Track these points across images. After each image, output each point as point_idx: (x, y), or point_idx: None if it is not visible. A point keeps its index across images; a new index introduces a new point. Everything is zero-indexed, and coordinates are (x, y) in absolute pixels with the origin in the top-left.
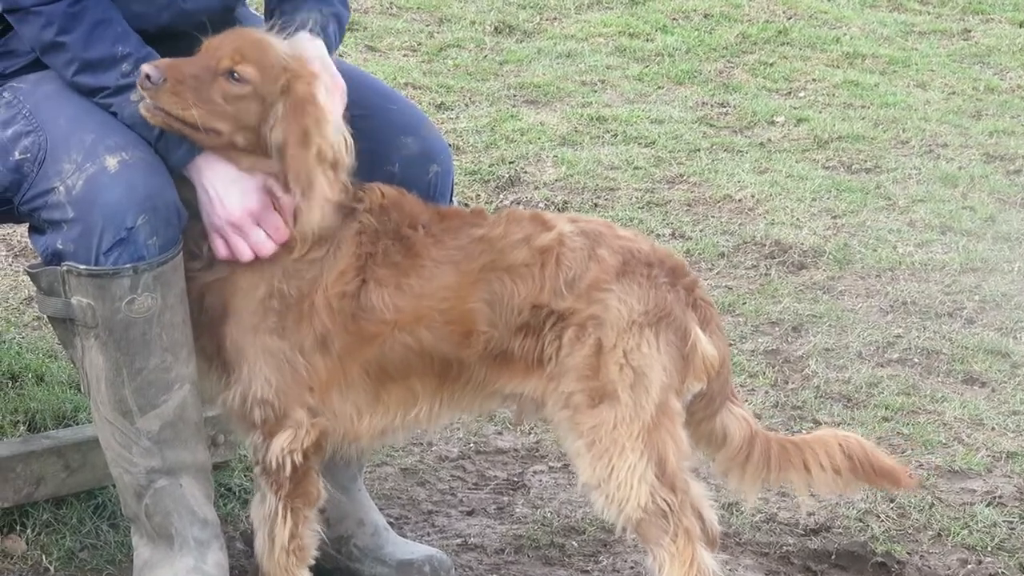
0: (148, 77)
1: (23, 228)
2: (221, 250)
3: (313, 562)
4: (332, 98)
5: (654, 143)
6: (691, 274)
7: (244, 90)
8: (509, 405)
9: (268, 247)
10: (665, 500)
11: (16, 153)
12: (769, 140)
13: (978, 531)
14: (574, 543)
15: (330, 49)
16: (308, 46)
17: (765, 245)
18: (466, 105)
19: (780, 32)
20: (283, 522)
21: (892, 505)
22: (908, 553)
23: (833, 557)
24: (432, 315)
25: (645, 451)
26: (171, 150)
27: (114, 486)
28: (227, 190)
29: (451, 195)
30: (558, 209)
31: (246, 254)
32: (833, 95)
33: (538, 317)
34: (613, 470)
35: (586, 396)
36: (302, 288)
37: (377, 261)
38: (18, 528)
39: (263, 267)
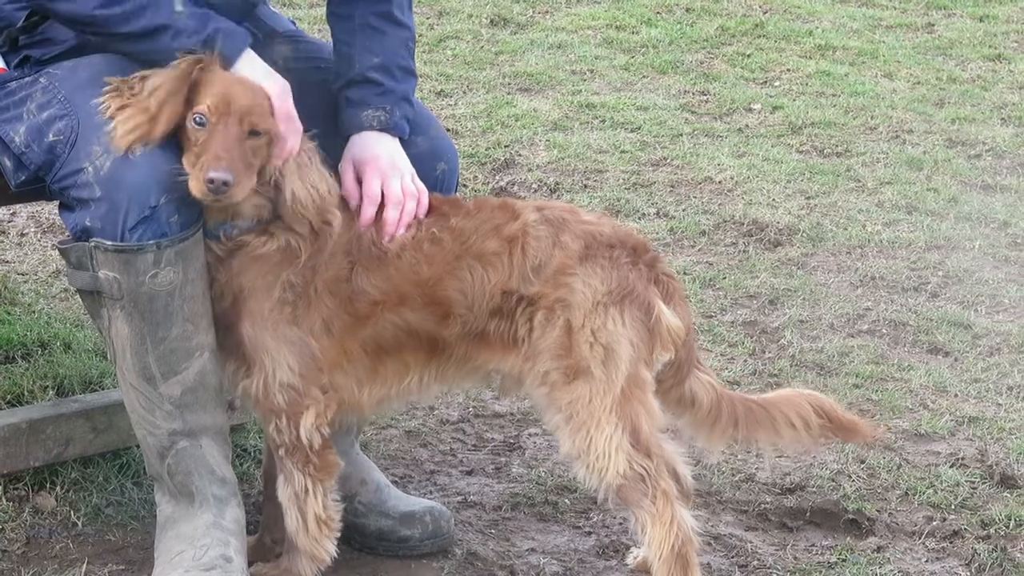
0: (225, 183)
1: (51, 206)
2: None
3: (339, 533)
4: (407, 203)
5: (639, 128)
6: (652, 251)
7: (262, 141)
8: (492, 381)
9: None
10: (642, 465)
11: (50, 135)
12: (747, 126)
13: (942, 490)
14: (567, 500)
15: (402, 133)
16: (375, 146)
17: (743, 224)
18: (464, 92)
19: (757, 25)
20: (314, 497)
21: (863, 466)
22: (877, 511)
23: (807, 514)
24: (414, 298)
25: (619, 422)
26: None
27: (138, 447)
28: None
29: (455, 190)
30: (550, 190)
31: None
32: (806, 84)
33: (509, 301)
34: (591, 442)
35: (561, 374)
36: (306, 275)
37: (362, 247)
38: (48, 486)
39: (274, 270)
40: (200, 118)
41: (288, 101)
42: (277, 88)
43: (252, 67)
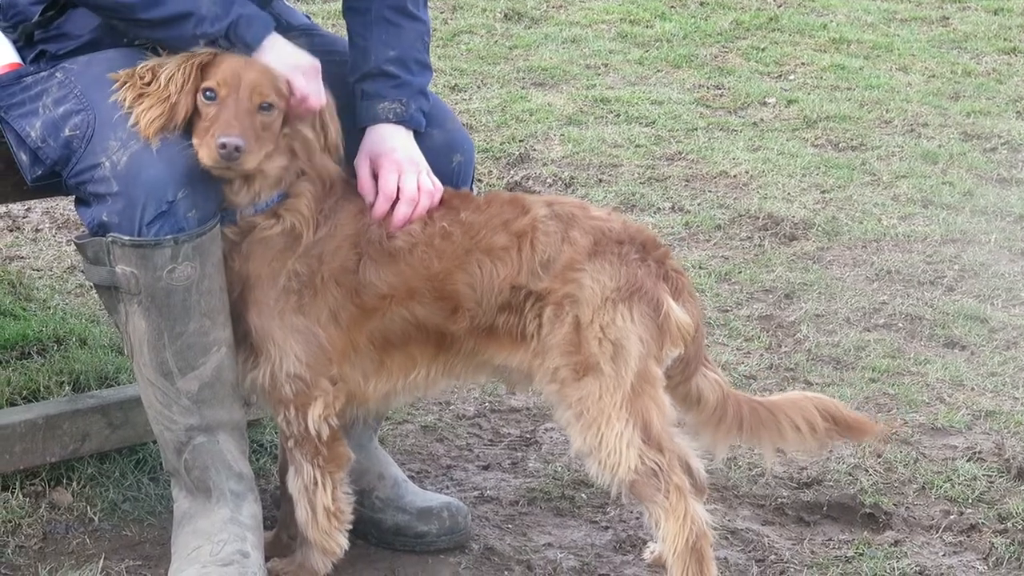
0: (237, 148)
1: (66, 201)
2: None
3: (351, 525)
4: (421, 200)
5: (654, 123)
6: (662, 247)
7: (273, 115)
8: (500, 376)
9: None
10: (654, 461)
11: (66, 130)
12: (761, 120)
13: (960, 484)
14: (583, 495)
15: (418, 126)
16: (391, 139)
17: (759, 218)
18: (478, 87)
19: (771, 19)
20: (323, 489)
21: (879, 460)
22: (895, 505)
23: (825, 509)
24: (423, 292)
25: (630, 418)
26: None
27: (155, 442)
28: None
29: (472, 182)
30: (565, 184)
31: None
32: (821, 78)
33: (518, 297)
34: (602, 438)
35: (571, 370)
36: (312, 265)
37: (371, 240)
38: (65, 481)
39: (279, 256)
40: (211, 93)
41: (315, 82)
42: (307, 66)
43: (278, 51)
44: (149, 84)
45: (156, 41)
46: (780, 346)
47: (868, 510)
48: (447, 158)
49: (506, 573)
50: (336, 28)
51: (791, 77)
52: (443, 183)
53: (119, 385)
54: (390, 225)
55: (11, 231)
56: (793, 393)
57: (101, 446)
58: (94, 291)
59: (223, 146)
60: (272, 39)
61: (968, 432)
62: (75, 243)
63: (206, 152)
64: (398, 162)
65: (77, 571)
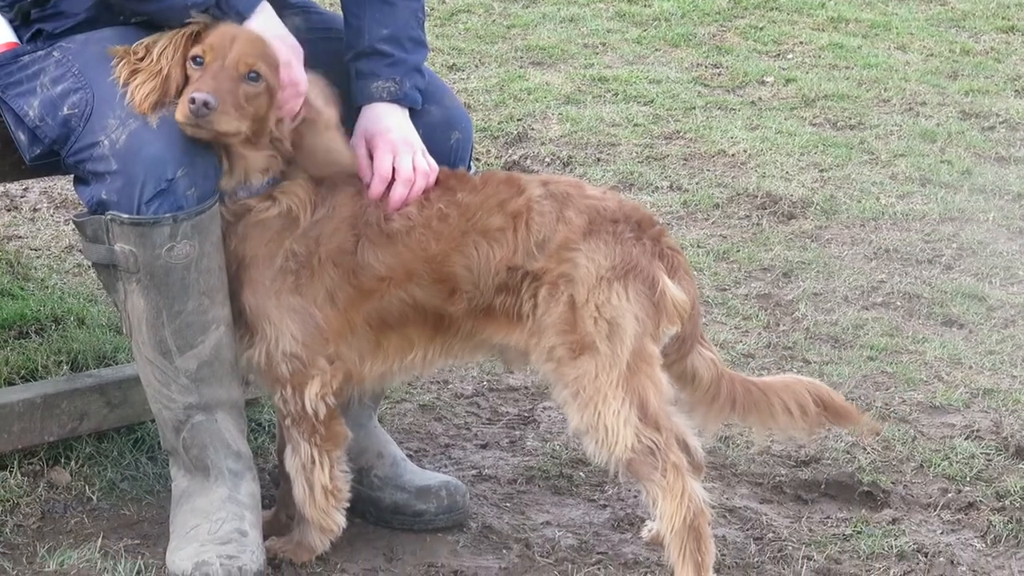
0: (206, 104)
1: (64, 181)
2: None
3: (348, 504)
4: (417, 180)
5: (652, 102)
6: (657, 225)
7: (260, 87)
8: (497, 355)
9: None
10: (651, 439)
11: (65, 108)
12: (760, 99)
13: (957, 462)
14: (581, 474)
15: (414, 103)
16: (385, 118)
17: (757, 196)
18: (476, 66)
19: None
20: (320, 467)
21: (877, 438)
22: (892, 483)
23: (823, 487)
24: (421, 274)
25: (626, 396)
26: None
27: (153, 421)
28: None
29: (470, 159)
30: (563, 163)
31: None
32: (819, 57)
33: (514, 277)
34: (599, 416)
35: (567, 349)
36: (309, 245)
37: (369, 222)
38: (63, 461)
39: (276, 238)
40: (199, 59)
41: (295, 70)
42: (286, 54)
43: (266, 25)
44: (143, 60)
45: (149, 15)
46: (778, 325)
47: (866, 488)
48: (445, 135)
49: (504, 551)
50: (333, 6)
51: (789, 56)
52: (441, 161)
53: (117, 364)
54: (387, 206)
55: (9, 211)
56: (787, 376)
57: (99, 425)
58: (92, 270)
59: (192, 101)
60: (263, 8)
61: (966, 410)
62: (74, 221)
63: (180, 109)
64: (393, 142)
65: (75, 550)
